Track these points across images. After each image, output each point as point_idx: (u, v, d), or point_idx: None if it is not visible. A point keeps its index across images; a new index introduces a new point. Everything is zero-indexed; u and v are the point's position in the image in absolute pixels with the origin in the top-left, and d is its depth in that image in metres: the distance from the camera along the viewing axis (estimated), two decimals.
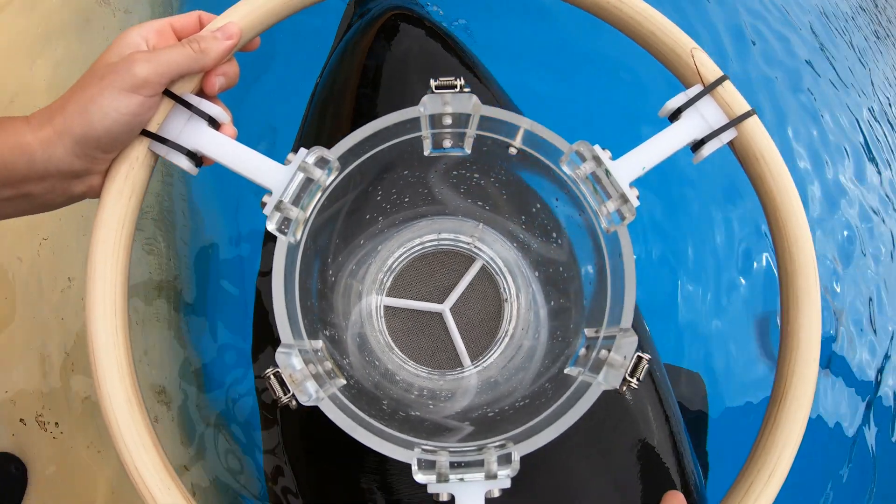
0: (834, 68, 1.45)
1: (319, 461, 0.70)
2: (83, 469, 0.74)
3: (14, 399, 0.69)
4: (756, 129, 0.50)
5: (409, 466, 0.41)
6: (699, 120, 0.50)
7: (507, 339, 0.64)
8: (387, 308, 0.66)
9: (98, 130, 0.41)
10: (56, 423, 0.72)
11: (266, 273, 0.83)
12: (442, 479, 0.40)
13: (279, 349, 0.42)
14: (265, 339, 0.79)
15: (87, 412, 0.76)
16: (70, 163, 0.42)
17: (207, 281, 1.08)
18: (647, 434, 0.66)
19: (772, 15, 1.44)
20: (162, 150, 0.46)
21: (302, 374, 0.42)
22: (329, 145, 0.47)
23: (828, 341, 1.21)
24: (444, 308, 0.65)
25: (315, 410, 0.43)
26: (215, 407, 1.01)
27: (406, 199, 0.61)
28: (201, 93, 0.48)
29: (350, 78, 0.77)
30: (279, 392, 0.42)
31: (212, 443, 0.96)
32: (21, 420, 0.69)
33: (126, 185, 0.45)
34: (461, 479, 0.41)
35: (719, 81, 0.50)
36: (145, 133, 0.45)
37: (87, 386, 0.78)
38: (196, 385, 0.99)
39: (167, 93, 0.45)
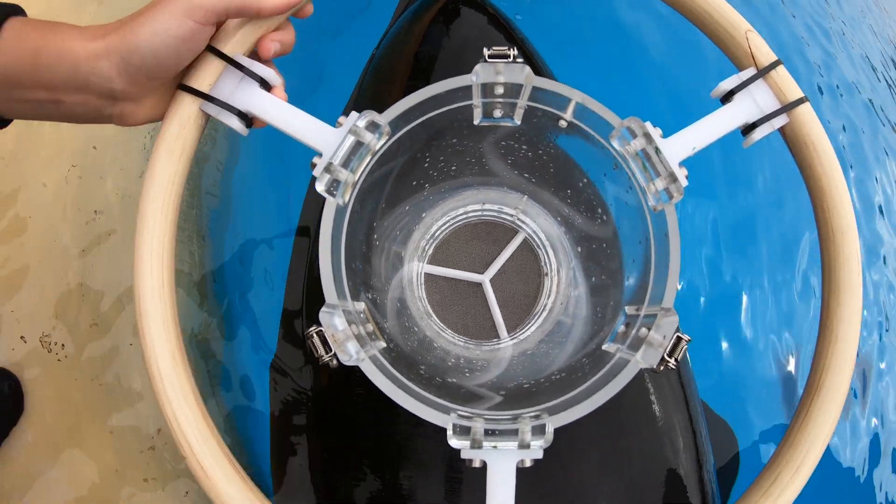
0: None
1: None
2: (80, 397, 0.75)
3: (19, 318, 0.71)
4: (808, 117, 0.49)
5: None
6: (751, 103, 0.49)
7: (545, 314, 0.65)
8: (427, 275, 0.66)
9: (145, 51, 0.42)
10: (62, 345, 0.73)
11: (304, 230, 0.85)
12: (476, 445, 0.41)
13: (323, 308, 0.43)
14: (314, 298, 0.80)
15: (92, 341, 0.78)
16: (111, 80, 0.43)
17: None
18: (671, 449, 0.65)
19: None
20: (213, 109, 0.46)
21: (344, 334, 0.43)
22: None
23: None
24: (485, 279, 0.65)
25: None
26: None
27: (453, 168, 0.61)
28: (255, 57, 0.49)
29: (404, 58, 0.76)
30: (321, 350, 0.43)
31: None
32: (22, 338, 0.70)
33: (177, 144, 0.45)
34: (494, 447, 0.41)
35: (773, 66, 0.49)
36: (197, 93, 0.45)
37: (95, 315, 0.79)
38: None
39: (220, 54, 0.46)
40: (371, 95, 0.80)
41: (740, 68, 0.50)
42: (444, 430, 0.42)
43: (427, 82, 0.70)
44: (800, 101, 0.48)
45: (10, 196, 0.74)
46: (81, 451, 0.74)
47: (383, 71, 0.80)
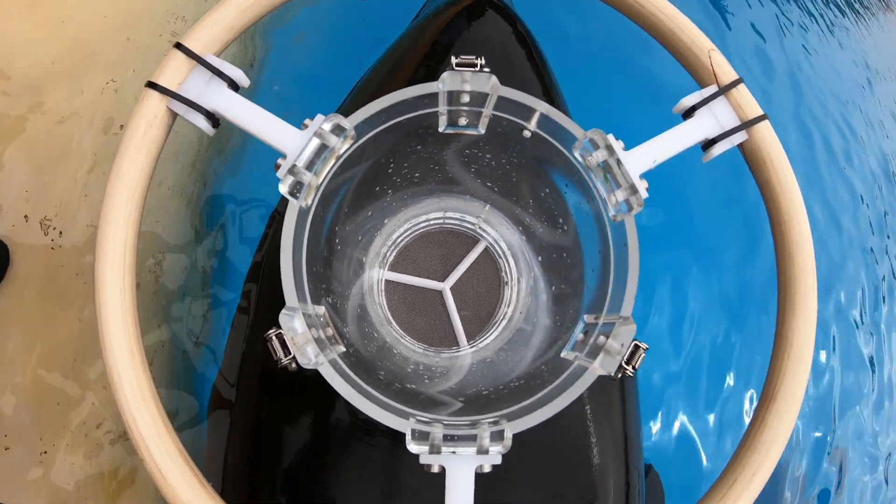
0: None
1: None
2: (64, 287, 0.75)
3: (28, 197, 0.71)
4: (766, 134, 0.50)
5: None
6: (712, 120, 0.50)
7: (504, 322, 0.65)
8: (388, 282, 0.66)
9: None
10: (60, 233, 0.74)
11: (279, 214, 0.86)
12: (434, 450, 0.41)
13: (283, 311, 0.43)
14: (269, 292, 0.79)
15: (89, 240, 0.78)
16: None
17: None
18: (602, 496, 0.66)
19: None
20: (180, 108, 0.46)
21: (304, 337, 0.43)
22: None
23: None
24: (445, 287, 0.66)
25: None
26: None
27: (416, 175, 0.61)
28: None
29: (425, 38, 0.76)
30: (280, 353, 0.42)
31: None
32: (25, 216, 0.70)
33: (144, 142, 0.45)
34: (453, 452, 0.41)
35: (734, 84, 0.50)
36: (165, 91, 0.45)
37: (95, 217, 0.79)
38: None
39: (190, 53, 0.45)
40: (392, 63, 0.80)
41: (702, 85, 0.52)
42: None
43: (440, 65, 0.69)
44: (759, 119, 0.50)
45: (41, 94, 0.75)
46: (49, 330, 0.73)
47: (405, 45, 0.80)
